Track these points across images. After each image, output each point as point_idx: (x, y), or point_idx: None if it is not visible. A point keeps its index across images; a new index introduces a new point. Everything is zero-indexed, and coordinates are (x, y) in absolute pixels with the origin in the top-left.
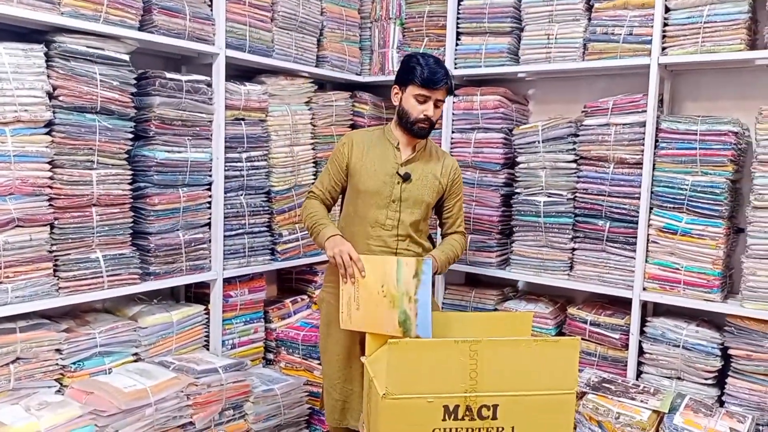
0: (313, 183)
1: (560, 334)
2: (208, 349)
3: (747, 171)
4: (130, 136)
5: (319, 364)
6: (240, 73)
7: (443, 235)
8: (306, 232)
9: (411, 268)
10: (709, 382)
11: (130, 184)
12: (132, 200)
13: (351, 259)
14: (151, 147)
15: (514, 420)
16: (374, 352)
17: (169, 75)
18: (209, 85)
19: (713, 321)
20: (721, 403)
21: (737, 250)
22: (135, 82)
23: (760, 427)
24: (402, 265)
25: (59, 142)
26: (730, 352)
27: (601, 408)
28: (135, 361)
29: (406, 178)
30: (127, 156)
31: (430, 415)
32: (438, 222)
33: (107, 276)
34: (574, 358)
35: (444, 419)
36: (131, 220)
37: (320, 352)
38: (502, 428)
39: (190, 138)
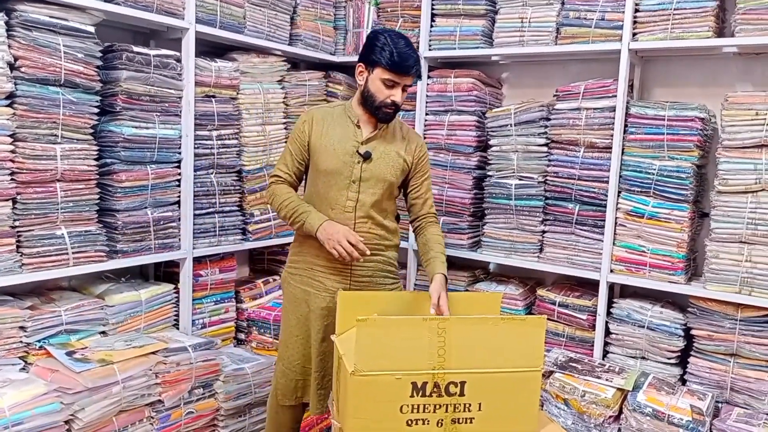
0: None
1: (530, 314)
2: (178, 329)
3: (712, 156)
4: (96, 110)
5: None
6: (210, 49)
7: (414, 221)
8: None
9: None
10: (672, 361)
11: (96, 159)
12: (98, 176)
13: (351, 244)
14: (118, 122)
15: (481, 396)
16: (344, 332)
17: (136, 49)
18: (179, 60)
19: (677, 302)
20: (683, 382)
21: (701, 234)
22: (101, 55)
23: (719, 404)
24: None
25: (21, 115)
26: (693, 332)
27: (567, 386)
28: None
29: (366, 157)
30: (93, 131)
31: (398, 391)
32: (406, 205)
33: (73, 253)
34: (541, 336)
35: (412, 395)
36: (98, 196)
37: (281, 332)
38: (470, 404)
39: (158, 114)
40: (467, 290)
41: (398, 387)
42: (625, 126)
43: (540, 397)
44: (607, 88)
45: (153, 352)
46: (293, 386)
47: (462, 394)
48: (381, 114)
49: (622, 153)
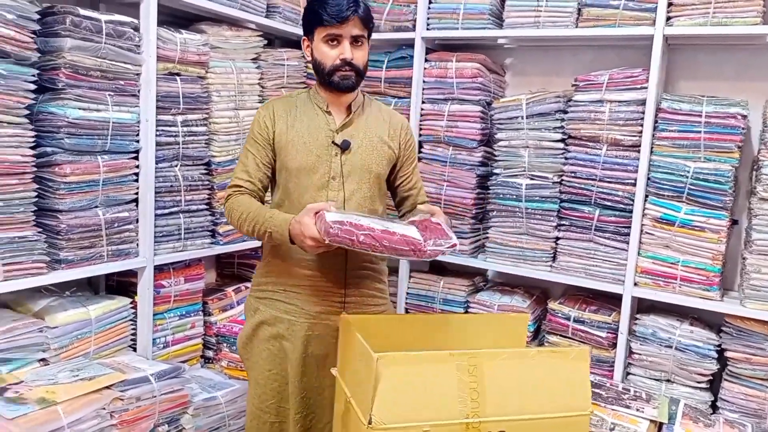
0: None
1: (538, 330)
2: (135, 350)
3: (744, 158)
4: (33, 87)
5: None
6: (174, 19)
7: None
8: None
9: None
10: (703, 386)
11: (32, 148)
12: (36, 169)
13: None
14: (60, 102)
15: None
16: (350, 363)
17: (83, 12)
18: (136, 29)
19: (704, 319)
20: (714, 409)
21: (730, 243)
22: (38, 17)
23: None
24: None
25: None
26: (728, 354)
27: (594, 418)
28: None
29: (345, 147)
30: (28, 113)
31: None
32: (394, 200)
33: (3, 264)
34: (585, 370)
35: None
36: (35, 194)
37: (246, 369)
38: None
39: (111, 93)
40: (467, 301)
41: None
42: (654, 122)
43: None
44: (634, 78)
45: (107, 387)
46: (267, 430)
47: None
48: (337, 80)
49: (651, 152)
